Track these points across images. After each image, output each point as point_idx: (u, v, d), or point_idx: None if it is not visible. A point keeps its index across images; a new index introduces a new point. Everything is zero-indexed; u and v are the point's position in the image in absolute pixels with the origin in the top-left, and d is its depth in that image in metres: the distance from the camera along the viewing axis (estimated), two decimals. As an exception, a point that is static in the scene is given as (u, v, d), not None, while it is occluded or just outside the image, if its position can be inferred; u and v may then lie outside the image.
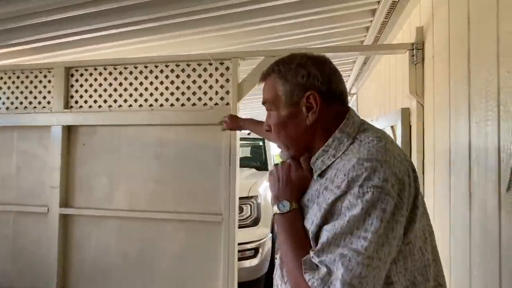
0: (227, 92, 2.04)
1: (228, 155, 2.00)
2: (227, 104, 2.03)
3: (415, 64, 1.87)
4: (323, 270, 0.65)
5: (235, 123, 1.84)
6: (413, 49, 1.85)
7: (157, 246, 2.09)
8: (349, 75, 4.23)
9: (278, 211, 0.81)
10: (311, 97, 0.78)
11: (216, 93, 2.05)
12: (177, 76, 2.10)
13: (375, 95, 3.43)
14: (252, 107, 6.07)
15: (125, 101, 2.17)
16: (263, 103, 0.86)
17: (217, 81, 2.05)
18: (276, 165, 0.89)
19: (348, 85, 4.86)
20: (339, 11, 2.24)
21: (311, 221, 0.73)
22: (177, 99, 2.09)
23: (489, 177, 1.11)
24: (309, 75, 0.78)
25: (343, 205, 0.66)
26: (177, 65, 2.10)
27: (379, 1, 2.13)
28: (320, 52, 2.01)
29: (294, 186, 0.83)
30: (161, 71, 2.11)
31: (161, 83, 2.11)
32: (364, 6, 2.22)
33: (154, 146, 2.11)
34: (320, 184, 0.76)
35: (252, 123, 1.78)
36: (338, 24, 2.48)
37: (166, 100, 2.10)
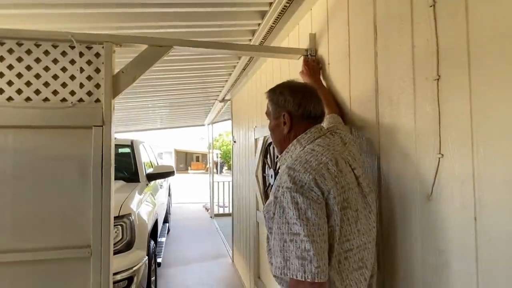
0: (97, 86, 1.57)
1: (99, 167, 1.53)
2: (97, 100, 1.56)
3: (309, 70, 1.86)
4: None
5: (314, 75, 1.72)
6: (308, 55, 1.84)
7: (-15, 304, 1.42)
8: (226, 80, 4.15)
9: None
10: (285, 115, 1.13)
11: (81, 85, 1.55)
12: (19, 59, 1.50)
13: (255, 102, 3.43)
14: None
15: None
16: (266, 114, 1.24)
17: (82, 70, 1.55)
18: None
19: (223, 92, 4.80)
20: (228, 6, 2.07)
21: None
22: (19, 91, 1.49)
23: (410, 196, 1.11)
24: (285, 100, 1.13)
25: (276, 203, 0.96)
26: (19, 44, 1.50)
27: (271, 3, 2.06)
28: (215, 47, 1.79)
29: None
30: (-8, 50, 1.47)
31: (-8, 66, 1.46)
32: (255, 5, 2.12)
33: (-21, 157, 1.44)
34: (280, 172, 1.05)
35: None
36: (225, 22, 2.32)
37: (1, 91, 1.47)
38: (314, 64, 1.77)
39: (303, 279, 0.86)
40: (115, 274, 2.32)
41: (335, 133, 1.16)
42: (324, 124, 1.43)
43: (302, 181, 0.93)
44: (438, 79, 0.96)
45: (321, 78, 1.74)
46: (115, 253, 2.41)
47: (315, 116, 1.13)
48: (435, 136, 0.97)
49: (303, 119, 1.12)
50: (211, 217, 8.36)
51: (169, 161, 31.49)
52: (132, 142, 4.29)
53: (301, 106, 1.11)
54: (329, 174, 0.96)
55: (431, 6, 0.98)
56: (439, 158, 0.95)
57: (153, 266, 3.18)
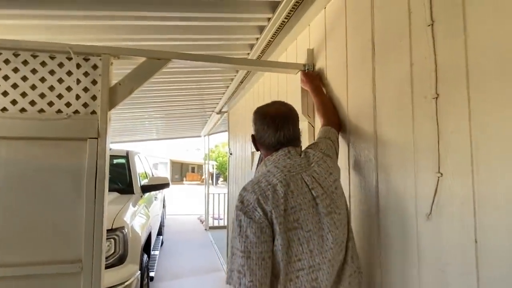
0: (94, 97, 1.55)
1: (93, 179, 1.51)
2: (93, 112, 1.55)
3: (306, 85, 1.86)
4: None
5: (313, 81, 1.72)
6: (305, 70, 1.85)
7: (-32, 322, 1.37)
8: (224, 93, 4.16)
9: None
10: (252, 136, 1.26)
11: (77, 97, 1.53)
12: (15, 70, 1.49)
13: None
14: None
15: None
16: None
17: (78, 81, 1.54)
18: None
19: (220, 104, 4.80)
20: (229, 21, 2.08)
21: None
22: (14, 102, 1.47)
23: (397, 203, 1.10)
24: (254, 123, 1.24)
25: None
26: (16, 55, 1.49)
27: (269, 18, 2.08)
28: (213, 61, 1.79)
29: None
30: (-12, 60, 1.45)
31: (-13, 77, 1.45)
32: (253, 20, 2.13)
33: (-30, 168, 1.41)
34: None
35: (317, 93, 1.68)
36: (224, 36, 2.33)
37: (-5, 101, 1.45)
38: (312, 73, 1.79)
39: None
40: (106, 289, 2.26)
41: (306, 152, 1.20)
42: (316, 136, 1.43)
43: (248, 200, 1.02)
44: (436, 98, 0.96)
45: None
46: (108, 267, 2.35)
47: (271, 145, 1.18)
48: (434, 155, 0.96)
49: (262, 146, 1.23)
50: (206, 229, 8.26)
51: (164, 172, 31.29)
52: (127, 152, 4.25)
53: (258, 135, 1.22)
54: (274, 195, 1.01)
55: (429, 25, 0.99)
56: (439, 177, 0.94)
57: (145, 280, 3.11)
